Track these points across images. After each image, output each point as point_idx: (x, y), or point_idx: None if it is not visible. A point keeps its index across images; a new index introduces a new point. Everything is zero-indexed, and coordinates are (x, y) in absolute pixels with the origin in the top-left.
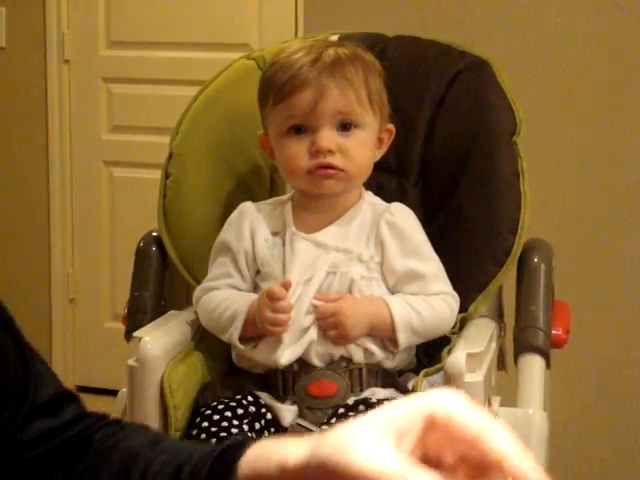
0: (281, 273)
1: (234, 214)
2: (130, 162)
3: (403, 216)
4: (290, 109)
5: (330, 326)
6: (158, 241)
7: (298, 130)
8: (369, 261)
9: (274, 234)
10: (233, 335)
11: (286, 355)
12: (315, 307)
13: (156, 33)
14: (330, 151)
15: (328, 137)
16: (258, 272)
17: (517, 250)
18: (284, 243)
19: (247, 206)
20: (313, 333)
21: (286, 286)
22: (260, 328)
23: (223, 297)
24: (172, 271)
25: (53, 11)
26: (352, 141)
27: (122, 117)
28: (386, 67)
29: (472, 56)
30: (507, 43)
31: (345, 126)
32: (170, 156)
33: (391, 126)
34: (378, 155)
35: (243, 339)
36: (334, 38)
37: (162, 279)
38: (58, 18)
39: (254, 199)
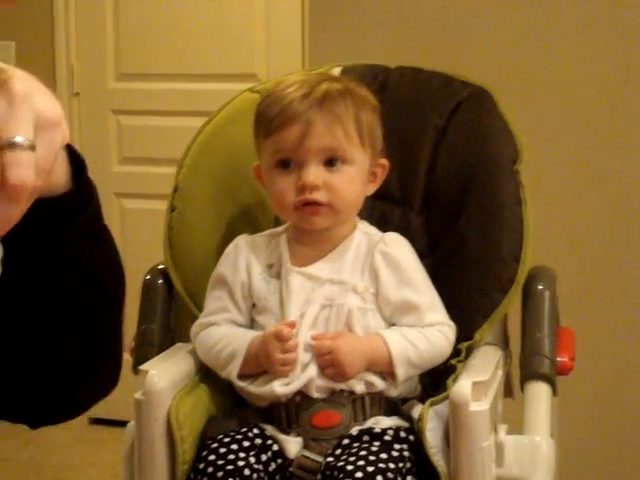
0: (278, 307)
1: (230, 247)
2: (141, 194)
3: (397, 246)
4: (278, 144)
5: (327, 364)
6: (164, 274)
7: (285, 164)
8: (364, 292)
9: (269, 266)
10: (231, 373)
11: (284, 389)
12: (312, 346)
13: (165, 65)
14: (316, 187)
15: (314, 173)
16: (254, 305)
17: (521, 277)
18: (279, 277)
19: (242, 239)
20: (312, 370)
21: (291, 326)
22: (268, 369)
23: (221, 334)
24: (179, 303)
25: (62, 44)
26: (339, 177)
27: (132, 149)
28: (388, 98)
29: (473, 86)
30: (509, 71)
31: (332, 162)
32: (175, 189)
33: (385, 161)
34: (371, 189)
35: (242, 375)
36: (337, 70)
37: (169, 311)
38: (67, 51)
39: (259, 231)
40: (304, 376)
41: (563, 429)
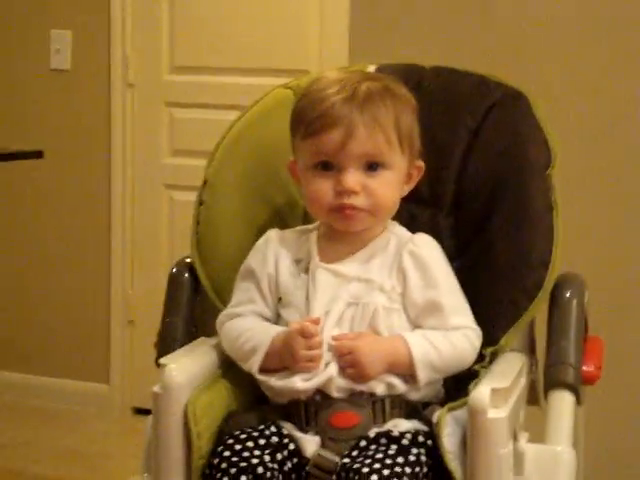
0: (303, 302)
1: (260, 241)
2: (190, 186)
3: (426, 247)
4: (318, 146)
5: (347, 364)
6: (191, 268)
7: (325, 167)
8: (391, 291)
9: (298, 261)
10: (253, 367)
11: (304, 384)
12: (332, 346)
13: (219, 58)
14: (355, 192)
15: (354, 178)
16: (280, 299)
17: (548, 284)
18: (307, 272)
19: (273, 233)
20: (333, 369)
21: (316, 322)
22: (291, 366)
23: (246, 327)
24: (204, 297)
25: (118, 35)
26: (378, 182)
27: (183, 141)
28: (422, 98)
29: (507, 87)
30: (544, 74)
31: (372, 166)
32: (204, 183)
33: (421, 163)
34: (406, 190)
35: (264, 370)
36: (372, 68)
37: (193, 306)
38: (123, 42)
39: (287, 227)
40: (325, 373)
41: (592, 439)
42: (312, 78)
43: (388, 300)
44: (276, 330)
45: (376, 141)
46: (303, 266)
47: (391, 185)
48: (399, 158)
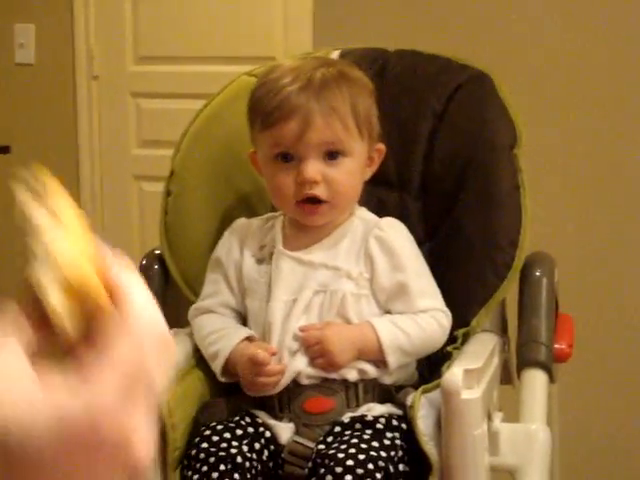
0: (266, 291)
1: (227, 230)
2: (160, 176)
3: (393, 231)
4: (276, 138)
5: (317, 354)
6: (160, 259)
7: (285, 158)
8: (358, 278)
9: (261, 248)
10: (216, 370)
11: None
12: (300, 337)
13: (184, 48)
14: (315, 182)
15: (313, 168)
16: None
17: (518, 263)
18: (271, 260)
19: (240, 222)
20: (300, 362)
21: (270, 352)
22: (244, 388)
23: (212, 328)
24: (175, 288)
25: (81, 28)
26: (338, 170)
27: (151, 132)
28: (387, 81)
29: (472, 69)
30: (509, 56)
31: (331, 154)
32: (171, 174)
33: (381, 145)
34: (368, 174)
35: (229, 372)
36: (335, 53)
37: (164, 297)
38: (86, 34)
39: (256, 215)
40: (291, 369)
41: (567, 416)
42: (267, 67)
43: (356, 286)
44: (240, 336)
45: (334, 129)
46: (267, 253)
47: (352, 173)
48: (359, 144)
